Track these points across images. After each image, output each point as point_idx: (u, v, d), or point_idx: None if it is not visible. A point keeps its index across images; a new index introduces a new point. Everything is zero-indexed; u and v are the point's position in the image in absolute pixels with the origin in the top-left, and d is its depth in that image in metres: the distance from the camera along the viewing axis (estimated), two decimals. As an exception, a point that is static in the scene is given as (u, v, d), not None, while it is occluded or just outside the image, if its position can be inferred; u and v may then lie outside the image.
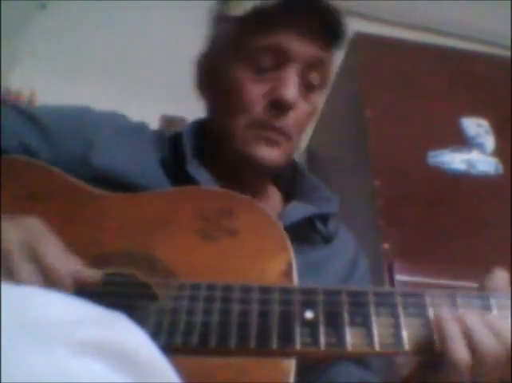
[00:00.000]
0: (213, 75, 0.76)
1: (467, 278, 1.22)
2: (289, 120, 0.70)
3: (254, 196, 0.73)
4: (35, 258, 0.48)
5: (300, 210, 0.74)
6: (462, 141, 1.53)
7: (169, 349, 0.33)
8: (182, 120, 1.76)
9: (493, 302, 0.50)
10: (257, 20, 0.68)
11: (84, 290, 0.50)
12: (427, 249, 1.31)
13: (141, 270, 0.53)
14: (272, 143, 0.70)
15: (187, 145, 0.73)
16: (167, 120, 1.89)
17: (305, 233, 0.75)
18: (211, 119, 0.78)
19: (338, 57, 1.80)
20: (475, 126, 1.57)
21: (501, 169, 1.50)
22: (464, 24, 2.26)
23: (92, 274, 0.51)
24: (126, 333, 0.31)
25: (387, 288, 0.52)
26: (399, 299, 0.50)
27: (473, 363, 0.47)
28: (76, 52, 1.98)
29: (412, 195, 1.41)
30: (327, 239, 0.78)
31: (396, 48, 1.72)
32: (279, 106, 0.68)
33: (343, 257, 0.78)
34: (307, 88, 0.71)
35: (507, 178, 1.47)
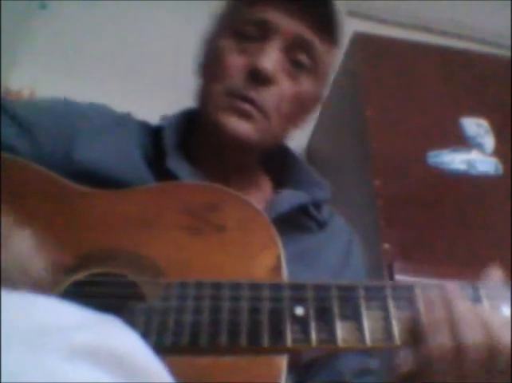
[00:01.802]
0: (205, 52, 0.76)
1: (467, 278, 1.22)
2: (268, 94, 0.68)
3: (242, 186, 0.73)
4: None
5: (292, 197, 0.73)
6: (462, 141, 1.53)
7: (159, 350, 0.33)
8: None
9: (483, 292, 0.50)
10: None
11: (71, 292, 0.50)
12: (427, 249, 1.31)
13: (129, 269, 0.53)
14: (244, 115, 0.67)
15: (168, 139, 0.72)
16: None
17: (298, 220, 0.74)
18: (196, 97, 0.76)
19: (338, 57, 1.81)
20: (475, 126, 1.57)
21: (501, 169, 1.50)
22: (464, 24, 2.26)
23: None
24: (121, 338, 0.31)
25: (377, 282, 0.52)
26: (389, 292, 0.50)
27: (456, 354, 0.45)
28: (77, 52, 1.98)
29: (412, 195, 1.40)
30: (321, 225, 0.77)
31: (396, 48, 1.72)
32: (257, 77, 0.67)
33: (338, 243, 0.77)
34: (294, 66, 0.70)
35: (507, 178, 1.47)
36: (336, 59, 0.79)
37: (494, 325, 0.46)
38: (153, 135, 0.75)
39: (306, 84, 0.72)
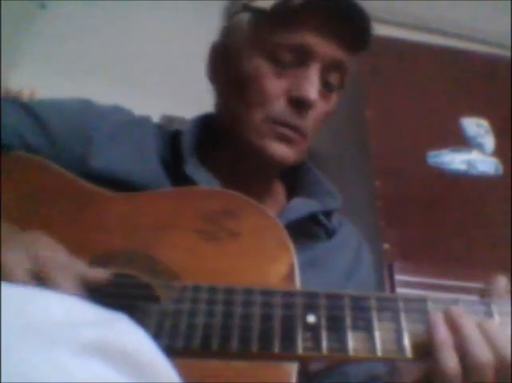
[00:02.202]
0: (229, 64, 0.74)
1: (467, 278, 1.22)
2: (308, 119, 0.69)
3: (257, 193, 0.73)
4: (43, 282, 0.47)
5: (303, 205, 0.74)
6: (462, 141, 1.53)
7: (171, 352, 0.33)
8: (182, 119, 1.76)
9: (494, 308, 0.50)
10: (283, 16, 0.67)
11: (89, 291, 0.50)
12: (427, 249, 1.31)
13: (143, 271, 0.53)
14: (288, 141, 0.68)
15: (187, 144, 0.72)
16: (168, 120, 1.89)
17: (308, 228, 0.74)
18: (222, 109, 0.76)
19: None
20: (475, 126, 1.57)
21: (501, 169, 1.50)
22: (464, 24, 2.26)
23: (98, 273, 0.51)
24: (128, 334, 0.31)
25: (389, 293, 0.52)
26: (401, 304, 0.49)
27: (462, 371, 0.45)
28: (77, 52, 1.98)
29: (412, 195, 1.41)
30: (330, 234, 0.77)
31: (396, 48, 1.72)
32: (300, 105, 0.67)
33: (347, 250, 0.78)
34: (326, 88, 0.70)
35: (507, 178, 1.47)
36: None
37: (501, 341, 0.46)
38: (171, 139, 0.75)
39: (335, 101, 0.74)
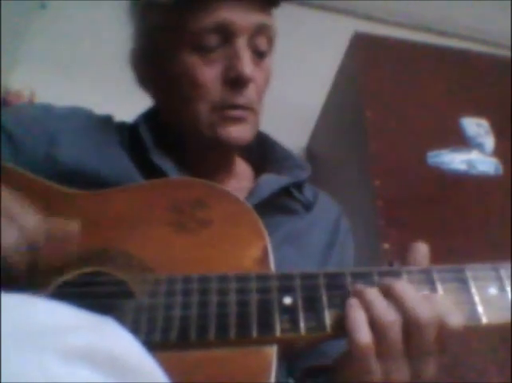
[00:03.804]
0: (157, 67, 0.73)
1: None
2: (250, 93, 0.68)
3: (224, 177, 0.74)
4: (14, 220, 0.49)
5: (272, 182, 0.73)
6: (462, 141, 1.53)
7: (149, 346, 0.33)
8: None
9: (436, 276, 0.52)
10: (191, 1, 0.66)
11: (61, 292, 0.50)
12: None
13: (117, 268, 0.53)
14: (239, 120, 0.68)
15: (145, 135, 0.72)
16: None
17: (282, 203, 0.74)
18: (165, 110, 0.76)
19: (338, 57, 1.81)
20: (475, 126, 1.57)
21: (501, 169, 1.50)
22: (464, 24, 2.26)
23: (66, 223, 0.52)
24: (115, 339, 0.31)
25: (363, 268, 0.52)
26: (376, 279, 0.50)
27: (378, 345, 0.45)
28: (77, 52, 1.98)
29: (412, 195, 1.41)
30: (307, 207, 0.77)
31: (396, 48, 1.72)
32: (238, 83, 0.67)
33: (324, 222, 0.78)
34: (257, 55, 0.70)
35: (507, 178, 1.47)
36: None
37: (408, 301, 0.47)
38: (129, 133, 0.75)
39: (269, 64, 0.73)
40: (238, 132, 0.68)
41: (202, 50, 0.67)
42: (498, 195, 1.44)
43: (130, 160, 0.70)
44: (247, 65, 0.66)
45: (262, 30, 0.69)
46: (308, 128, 2.01)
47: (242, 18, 0.67)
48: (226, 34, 0.67)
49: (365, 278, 0.50)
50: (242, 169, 0.81)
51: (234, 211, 0.58)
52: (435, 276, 0.52)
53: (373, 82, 1.61)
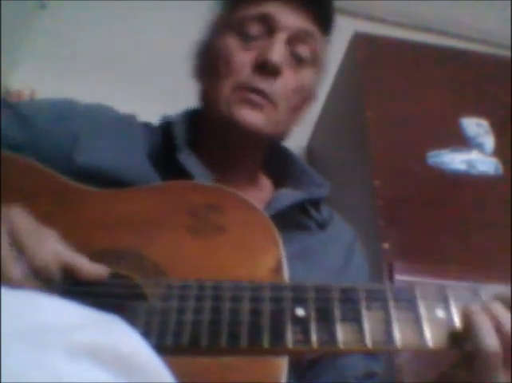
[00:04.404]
0: (205, 53, 0.77)
1: (467, 277, 1.22)
2: (275, 86, 0.69)
3: (244, 185, 0.75)
4: (21, 250, 0.46)
5: (289, 196, 0.74)
6: (462, 141, 1.53)
7: (160, 350, 0.33)
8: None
9: (483, 294, 0.50)
10: None
11: (72, 291, 0.50)
12: (427, 249, 1.31)
13: (130, 269, 0.53)
14: (254, 105, 0.69)
15: (179, 133, 0.72)
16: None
17: (297, 218, 0.74)
18: (201, 94, 0.77)
19: (338, 57, 1.80)
20: (475, 126, 1.57)
21: (501, 169, 1.50)
22: (464, 24, 2.26)
23: (95, 268, 0.49)
24: (122, 337, 0.31)
25: (377, 284, 0.52)
26: (389, 294, 0.49)
27: (504, 354, 0.46)
28: (77, 52, 1.97)
29: (412, 195, 1.40)
30: (321, 225, 0.77)
31: (396, 48, 1.72)
32: (264, 68, 0.68)
33: (339, 244, 0.78)
34: (296, 59, 0.72)
35: (507, 178, 1.47)
36: (328, 52, 0.80)
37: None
38: (160, 132, 0.75)
39: (308, 77, 0.74)
40: (251, 117, 0.69)
41: (244, 36, 0.71)
42: (498, 195, 1.44)
43: (149, 161, 0.71)
44: (276, 54, 0.68)
45: (304, 37, 0.72)
46: (308, 128, 2.01)
47: (286, 17, 0.71)
48: (268, 27, 0.70)
49: (379, 294, 0.50)
50: (264, 182, 0.82)
51: (250, 218, 0.58)
52: (482, 294, 0.51)
53: (373, 82, 1.61)
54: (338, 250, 0.77)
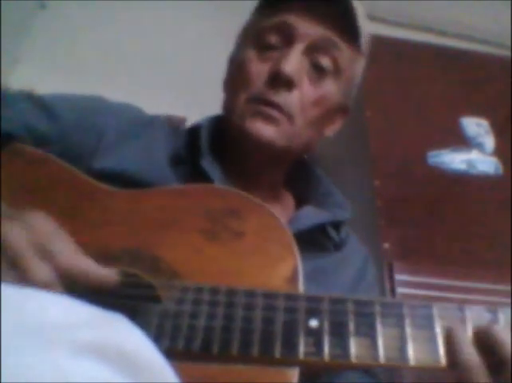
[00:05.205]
0: (229, 67, 0.77)
1: (467, 277, 1.22)
2: (291, 98, 0.67)
3: (266, 198, 0.71)
4: (48, 257, 0.44)
5: (312, 215, 0.73)
6: (462, 141, 1.53)
7: (171, 354, 0.33)
8: (184, 120, 1.76)
9: (501, 316, 0.49)
10: (267, 2, 0.70)
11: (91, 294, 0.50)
12: (427, 249, 1.31)
13: (145, 270, 0.52)
14: (268, 118, 0.67)
15: (204, 139, 0.71)
16: (169, 120, 1.88)
17: (315, 239, 0.73)
18: (223, 108, 0.76)
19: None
20: (475, 126, 1.57)
21: (501, 169, 1.50)
22: (464, 24, 2.26)
23: (109, 274, 0.48)
24: (126, 335, 0.31)
25: (394, 299, 0.51)
26: (406, 310, 0.48)
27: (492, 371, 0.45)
28: (77, 52, 1.98)
29: (412, 195, 1.40)
30: (338, 246, 0.76)
31: (396, 48, 1.72)
32: (278, 80, 0.67)
33: (352, 265, 0.77)
34: (317, 71, 0.70)
35: (507, 178, 1.47)
36: (362, 67, 0.78)
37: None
38: (186, 136, 0.75)
39: (329, 89, 0.72)
40: (263, 130, 0.67)
41: (262, 47, 0.70)
42: (498, 195, 1.44)
43: (169, 164, 0.70)
44: (290, 64, 0.66)
45: (326, 47, 0.69)
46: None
47: (305, 25, 0.68)
48: (287, 37, 0.69)
49: (395, 308, 0.49)
50: (285, 197, 0.81)
51: (268, 225, 0.57)
52: (501, 316, 0.50)
53: (373, 82, 1.61)
54: (352, 267, 0.76)
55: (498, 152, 1.53)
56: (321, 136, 0.77)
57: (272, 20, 0.69)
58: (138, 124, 0.74)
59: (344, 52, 0.71)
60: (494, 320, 0.49)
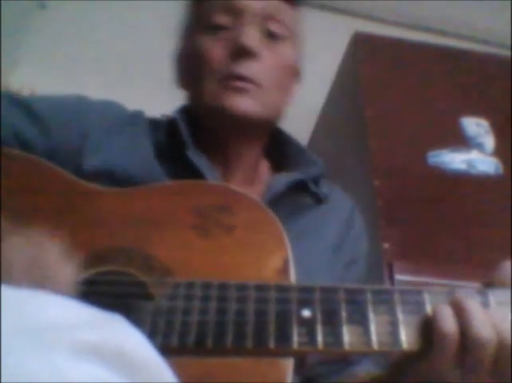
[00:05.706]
0: (182, 59, 0.78)
1: (467, 277, 1.22)
2: (257, 68, 0.70)
3: (247, 177, 0.75)
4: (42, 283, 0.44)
5: (287, 178, 0.74)
6: (462, 141, 1.53)
7: (165, 350, 0.33)
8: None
9: (491, 298, 0.50)
10: None
11: (79, 290, 0.50)
12: (427, 249, 1.31)
13: (137, 268, 0.53)
14: (241, 91, 0.69)
15: (183, 130, 0.73)
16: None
17: (296, 199, 0.75)
18: (191, 102, 0.78)
19: (338, 57, 1.81)
20: (475, 126, 1.57)
21: (501, 169, 1.50)
22: (464, 24, 2.26)
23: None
24: (124, 335, 0.31)
25: (385, 286, 0.52)
26: (397, 297, 0.49)
27: (461, 349, 0.46)
28: (77, 52, 1.98)
29: (412, 195, 1.40)
30: (321, 200, 0.77)
31: (396, 48, 1.72)
32: (239, 53, 0.69)
33: (338, 215, 0.79)
34: (270, 37, 0.73)
35: (507, 178, 1.47)
36: (301, 21, 0.81)
37: (503, 324, 0.47)
38: (164, 130, 0.76)
39: (286, 51, 0.75)
40: (240, 103, 0.69)
41: (212, 29, 0.72)
42: (498, 195, 1.44)
43: (157, 160, 0.71)
44: (249, 38, 0.69)
45: (273, 14, 0.73)
46: (308, 128, 2.01)
47: (250, 1, 0.71)
48: (235, 14, 0.71)
49: (386, 295, 0.49)
50: (262, 167, 0.82)
51: (258, 218, 0.58)
52: (491, 298, 0.51)
53: (373, 82, 1.61)
54: (338, 219, 0.78)
55: (498, 152, 1.53)
56: (287, 101, 0.79)
57: (215, 2, 0.72)
58: (121, 120, 0.75)
59: (288, 13, 0.75)
60: (485, 302, 0.50)
